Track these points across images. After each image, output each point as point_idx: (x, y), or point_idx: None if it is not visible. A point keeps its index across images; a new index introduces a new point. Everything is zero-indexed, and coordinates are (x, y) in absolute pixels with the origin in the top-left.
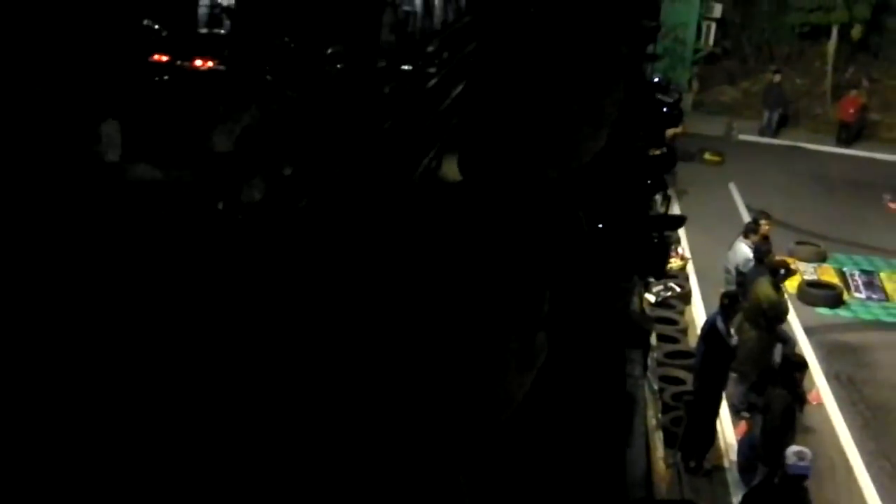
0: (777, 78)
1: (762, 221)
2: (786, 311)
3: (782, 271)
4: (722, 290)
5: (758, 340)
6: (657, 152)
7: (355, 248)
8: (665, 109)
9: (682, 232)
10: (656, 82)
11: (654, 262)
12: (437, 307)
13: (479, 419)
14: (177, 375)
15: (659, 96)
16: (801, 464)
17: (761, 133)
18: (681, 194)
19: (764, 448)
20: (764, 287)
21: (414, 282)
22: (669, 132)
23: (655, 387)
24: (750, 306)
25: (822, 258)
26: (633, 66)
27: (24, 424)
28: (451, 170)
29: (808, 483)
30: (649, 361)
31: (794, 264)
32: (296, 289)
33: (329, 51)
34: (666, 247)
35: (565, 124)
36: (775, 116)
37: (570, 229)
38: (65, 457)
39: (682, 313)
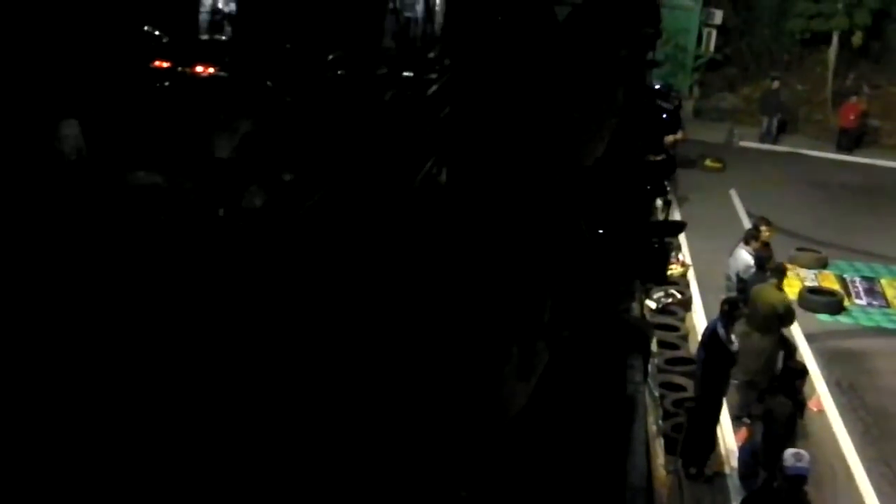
0: (775, 85)
1: (763, 228)
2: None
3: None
4: (723, 296)
5: (772, 348)
6: (657, 158)
7: (355, 254)
8: (665, 116)
9: (682, 238)
10: (657, 89)
11: (655, 268)
12: (438, 314)
13: (480, 426)
14: (179, 382)
15: (660, 103)
16: (800, 465)
17: (762, 140)
18: (682, 201)
19: (766, 455)
20: (773, 292)
21: (414, 288)
22: (670, 138)
23: (656, 393)
24: (760, 314)
25: (822, 265)
26: (633, 72)
27: (21, 431)
28: None
29: (809, 489)
30: (650, 368)
31: (795, 270)
32: (296, 296)
33: (330, 57)
34: (666, 253)
35: (566, 131)
36: (774, 123)
37: (570, 235)
38: (65, 457)
39: (682, 320)
